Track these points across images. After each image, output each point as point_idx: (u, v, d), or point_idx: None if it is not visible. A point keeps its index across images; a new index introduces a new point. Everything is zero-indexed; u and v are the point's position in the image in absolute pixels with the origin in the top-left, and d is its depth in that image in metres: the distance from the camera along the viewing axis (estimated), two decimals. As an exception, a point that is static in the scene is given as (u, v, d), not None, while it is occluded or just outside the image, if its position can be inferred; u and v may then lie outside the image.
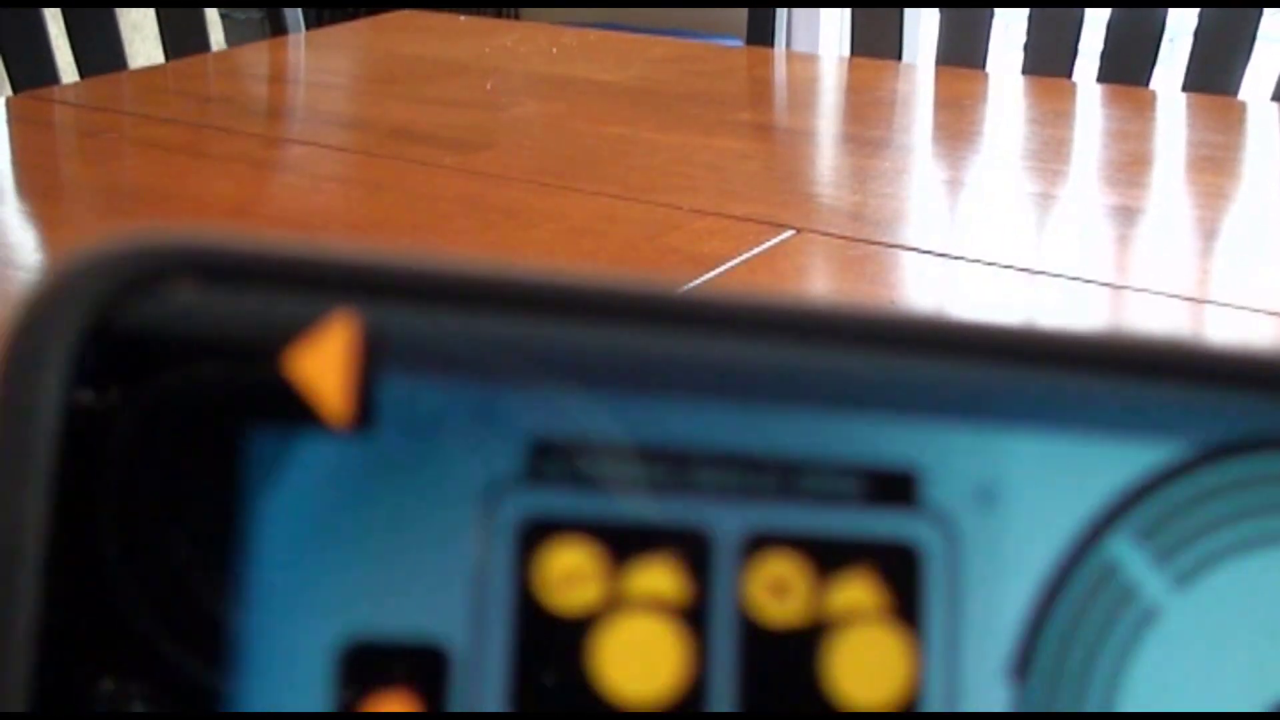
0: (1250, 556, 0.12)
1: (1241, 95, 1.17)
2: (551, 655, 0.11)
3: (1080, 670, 0.12)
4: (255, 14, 1.49)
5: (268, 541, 0.11)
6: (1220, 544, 0.12)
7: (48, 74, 1.26)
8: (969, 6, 1.30)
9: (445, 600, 0.11)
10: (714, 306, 0.12)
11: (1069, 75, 1.25)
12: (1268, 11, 1.17)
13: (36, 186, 0.94)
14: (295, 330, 0.11)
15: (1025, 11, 1.29)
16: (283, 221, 0.83)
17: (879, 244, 0.76)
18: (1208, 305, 0.67)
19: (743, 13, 1.44)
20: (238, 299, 0.11)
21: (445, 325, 0.11)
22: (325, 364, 0.11)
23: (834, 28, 2.82)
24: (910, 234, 0.78)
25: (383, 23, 1.46)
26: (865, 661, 0.11)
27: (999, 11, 1.29)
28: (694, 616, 0.11)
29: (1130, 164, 0.92)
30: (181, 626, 0.11)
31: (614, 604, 0.11)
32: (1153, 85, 1.21)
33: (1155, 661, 0.12)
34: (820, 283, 0.73)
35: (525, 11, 3.31)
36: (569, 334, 0.11)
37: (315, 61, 1.34)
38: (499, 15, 3.04)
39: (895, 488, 0.12)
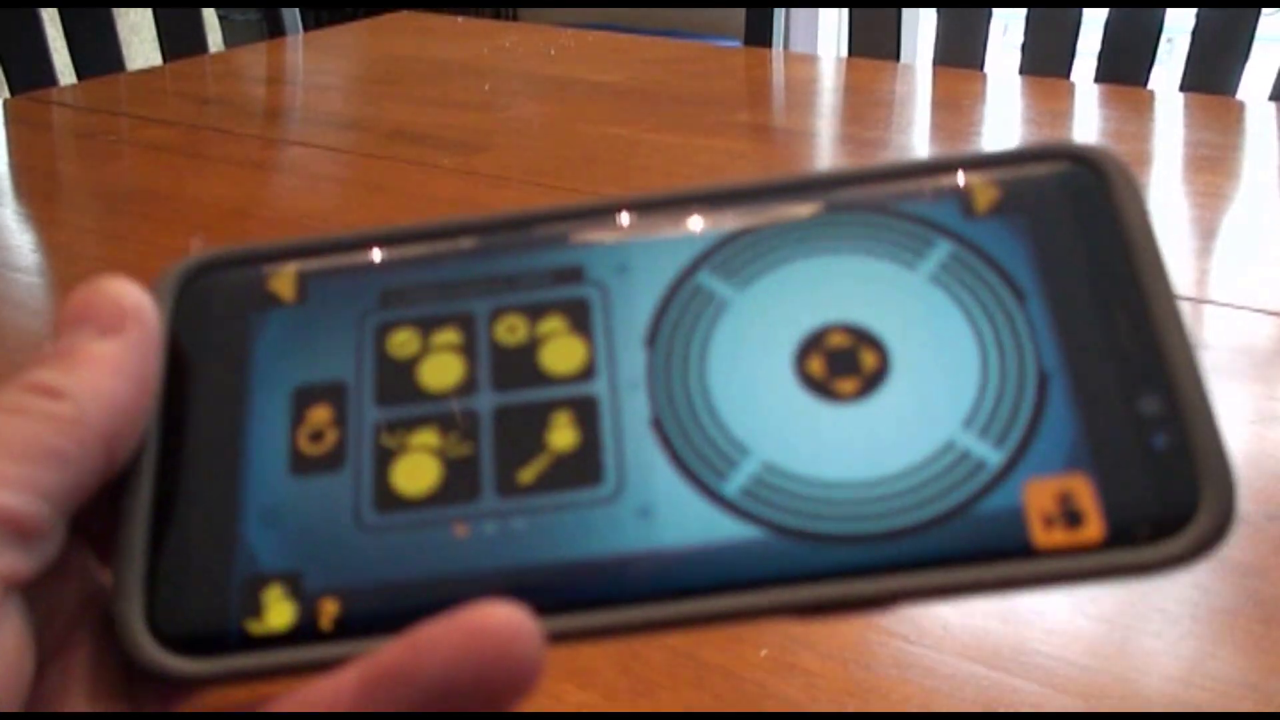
0: (792, 262, 0.23)
1: (1239, 95, 1.17)
2: (399, 377, 0.23)
3: (685, 336, 0.23)
4: (253, 15, 1.49)
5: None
6: (770, 260, 0.23)
7: (46, 76, 1.26)
8: (967, 7, 1.30)
9: (345, 357, 0.24)
10: (473, 224, 0.25)
11: (1067, 75, 1.25)
12: (1265, 11, 1.17)
13: (34, 188, 0.94)
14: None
15: (1023, 12, 1.29)
16: (281, 222, 0.83)
17: (877, 244, 0.76)
18: (1206, 305, 0.67)
19: (740, 13, 1.44)
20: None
21: (340, 261, 0.25)
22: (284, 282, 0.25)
23: (832, 28, 2.82)
24: (908, 234, 0.78)
25: (381, 24, 1.46)
26: (564, 353, 0.23)
27: (997, 12, 1.29)
28: (469, 350, 0.24)
29: (1128, 164, 0.92)
30: None
31: (426, 350, 0.24)
32: (1151, 85, 1.21)
33: (729, 328, 0.23)
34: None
35: (523, 12, 3.31)
36: (405, 250, 0.25)
37: (313, 63, 1.34)
38: (497, 16, 3.04)
39: (572, 273, 0.24)
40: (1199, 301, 0.67)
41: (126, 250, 0.78)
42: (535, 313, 0.24)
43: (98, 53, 1.31)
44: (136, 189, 0.91)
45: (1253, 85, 1.18)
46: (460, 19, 1.47)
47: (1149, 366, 0.21)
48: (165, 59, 1.37)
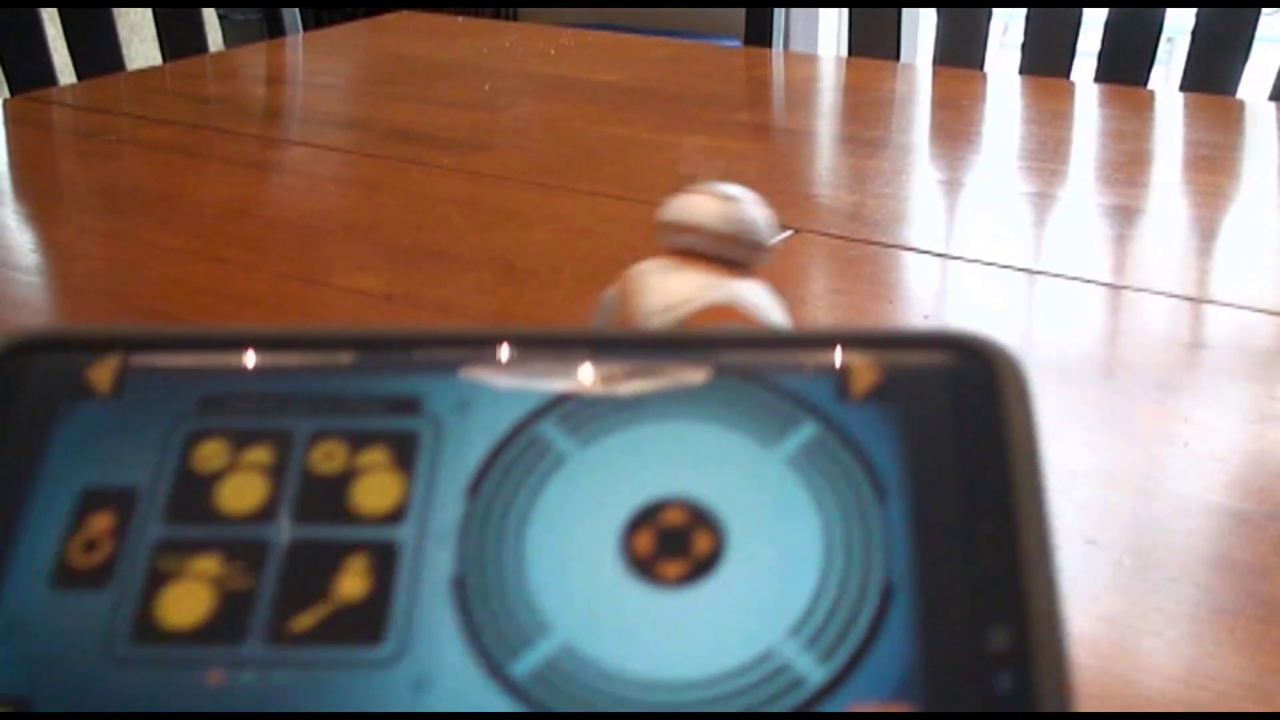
0: (646, 424, 0.22)
1: (1239, 95, 1.17)
2: (195, 493, 0.22)
3: (511, 489, 0.21)
4: (253, 15, 1.49)
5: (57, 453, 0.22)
6: (623, 418, 0.22)
7: (45, 75, 1.26)
8: (967, 6, 1.30)
9: (146, 463, 0.22)
10: (312, 338, 0.23)
11: (1067, 75, 1.25)
12: (1265, 11, 1.17)
13: (34, 188, 0.94)
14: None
15: (1023, 11, 1.29)
16: (281, 222, 0.83)
17: (877, 244, 0.76)
18: (1206, 305, 0.67)
19: (740, 13, 1.44)
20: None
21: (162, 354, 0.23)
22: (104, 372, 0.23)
23: (832, 28, 2.82)
24: (908, 234, 0.78)
25: (381, 24, 1.46)
26: (377, 490, 0.21)
27: (997, 11, 1.29)
28: (278, 472, 0.22)
29: (1128, 164, 0.92)
30: None
31: (232, 467, 0.22)
32: (1151, 85, 1.21)
33: (559, 487, 0.21)
34: (819, 282, 0.73)
35: (523, 12, 3.31)
36: (243, 353, 0.23)
37: (313, 62, 1.34)
38: (497, 16, 3.04)
39: (409, 404, 0.22)
40: (1199, 301, 0.67)
41: (126, 250, 0.78)
42: (359, 441, 0.22)
43: (98, 53, 1.31)
44: (136, 188, 0.91)
45: (1253, 85, 1.18)
46: (460, 19, 1.47)
47: (1005, 595, 0.19)
48: (165, 59, 1.37)
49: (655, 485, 0.21)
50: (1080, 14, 1.25)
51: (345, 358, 0.23)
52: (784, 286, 0.70)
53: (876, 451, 0.21)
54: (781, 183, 0.89)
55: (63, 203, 0.90)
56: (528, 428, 0.22)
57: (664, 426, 0.22)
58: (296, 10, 1.43)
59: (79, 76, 1.29)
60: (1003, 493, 0.20)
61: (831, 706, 0.19)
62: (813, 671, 0.19)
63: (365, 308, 0.67)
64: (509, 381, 0.22)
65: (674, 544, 0.20)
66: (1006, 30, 3.15)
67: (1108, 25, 1.23)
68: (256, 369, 0.23)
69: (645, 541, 0.21)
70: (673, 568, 0.20)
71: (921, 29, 2.29)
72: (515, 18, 3.23)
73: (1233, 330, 0.64)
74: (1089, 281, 0.70)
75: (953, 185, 0.88)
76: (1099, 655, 0.40)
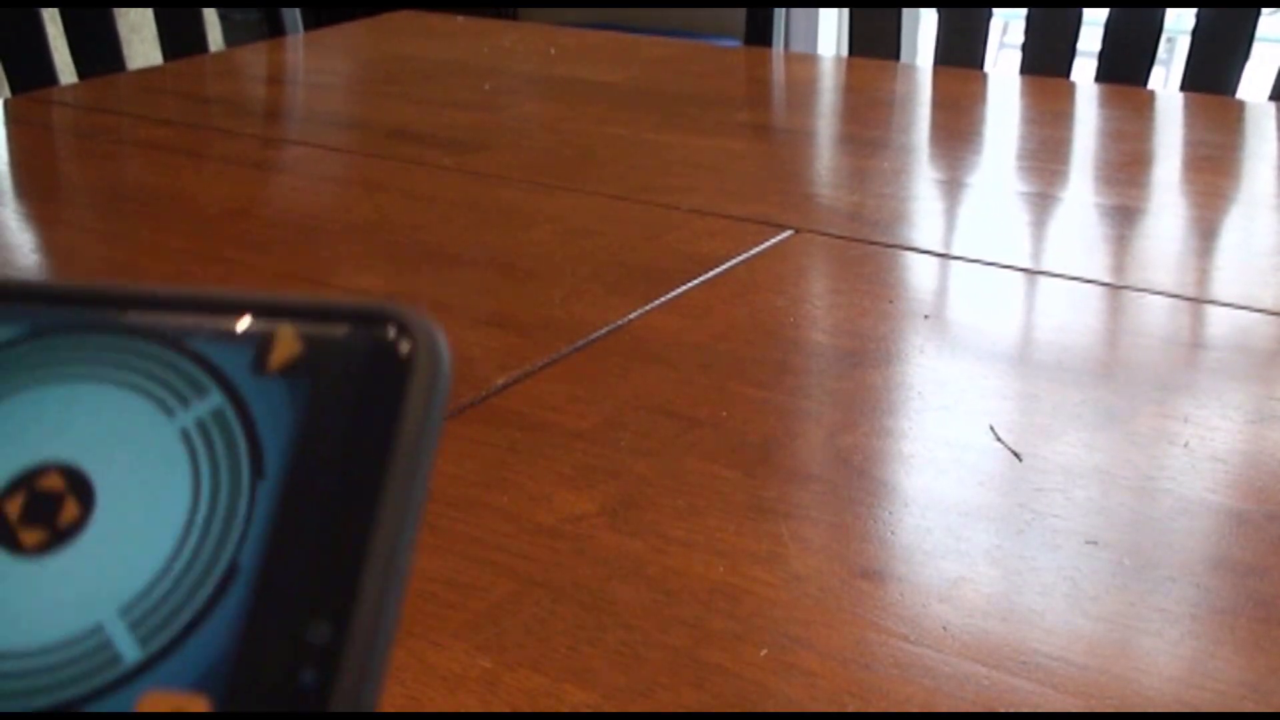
0: (57, 383, 0.21)
1: (1239, 95, 1.17)
2: None
3: None
4: (254, 15, 1.49)
5: None
6: (37, 375, 0.21)
7: (46, 75, 1.26)
8: (967, 6, 1.30)
9: None
10: None
11: (1067, 75, 1.25)
12: (1265, 11, 1.17)
13: (35, 187, 0.94)
14: None
15: (1023, 11, 1.29)
16: (281, 222, 0.83)
17: (877, 244, 0.76)
18: (1206, 305, 0.67)
19: (741, 13, 1.44)
20: None
21: None
22: None
23: (832, 28, 2.82)
24: (908, 234, 0.78)
25: (381, 24, 1.46)
26: None
27: (997, 11, 1.29)
28: None
29: (1128, 164, 0.92)
30: None
31: None
32: (1151, 85, 1.21)
33: None
34: (819, 282, 0.73)
35: (523, 12, 3.31)
36: None
37: (313, 62, 1.34)
38: (497, 16, 3.04)
39: None
40: (1199, 301, 0.67)
41: (126, 250, 0.78)
42: None
43: (98, 53, 1.31)
44: (137, 188, 0.91)
45: (1253, 85, 1.18)
46: (460, 19, 1.47)
47: (339, 588, 0.19)
48: (165, 59, 1.37)
49: (43, 449, 0.20)
50: (1080, 14, 1.25)
51: None
52: (784, 286, 0.70)
53: (270, 429, 0.20)
54: (782, 183, 0.89)
55: (63, 203, 0.90)
56: None
57: (75, 388, 0.21)
58: (296, 10, 1.43)
59: (79, 76, 1.29)
60: (377, 481, 0.19)
61: (130, 692, 0.18)
62: (130, 652, 0.19)
63: (365, 308, 0.67)
64: None
65: (41, 511, 0.20)
66: (1006, 30, 3.15)
67: (1108, 25, 1.23)
68: None
69: (15, 506, 0.20)
70: (33, 535, 0.20)
71: (921, 29, 2.29)
72: (515, 18, 3.23)
73: (1233, 330, 0.64)
74: (1089, 281, 0.70)
75: (953, 185, 0.88)
76: (1099, 655, 0.40)
